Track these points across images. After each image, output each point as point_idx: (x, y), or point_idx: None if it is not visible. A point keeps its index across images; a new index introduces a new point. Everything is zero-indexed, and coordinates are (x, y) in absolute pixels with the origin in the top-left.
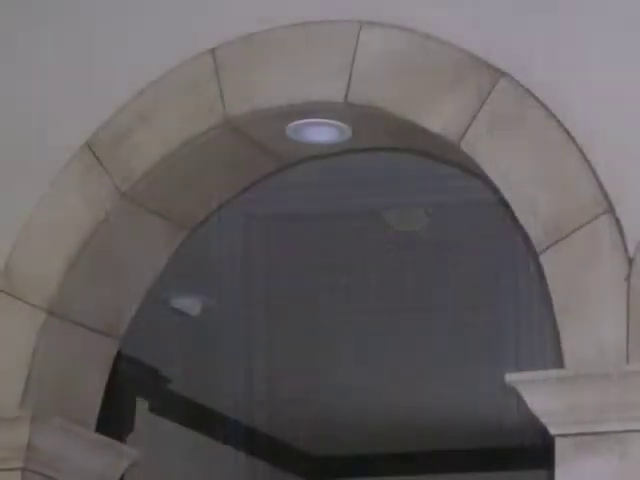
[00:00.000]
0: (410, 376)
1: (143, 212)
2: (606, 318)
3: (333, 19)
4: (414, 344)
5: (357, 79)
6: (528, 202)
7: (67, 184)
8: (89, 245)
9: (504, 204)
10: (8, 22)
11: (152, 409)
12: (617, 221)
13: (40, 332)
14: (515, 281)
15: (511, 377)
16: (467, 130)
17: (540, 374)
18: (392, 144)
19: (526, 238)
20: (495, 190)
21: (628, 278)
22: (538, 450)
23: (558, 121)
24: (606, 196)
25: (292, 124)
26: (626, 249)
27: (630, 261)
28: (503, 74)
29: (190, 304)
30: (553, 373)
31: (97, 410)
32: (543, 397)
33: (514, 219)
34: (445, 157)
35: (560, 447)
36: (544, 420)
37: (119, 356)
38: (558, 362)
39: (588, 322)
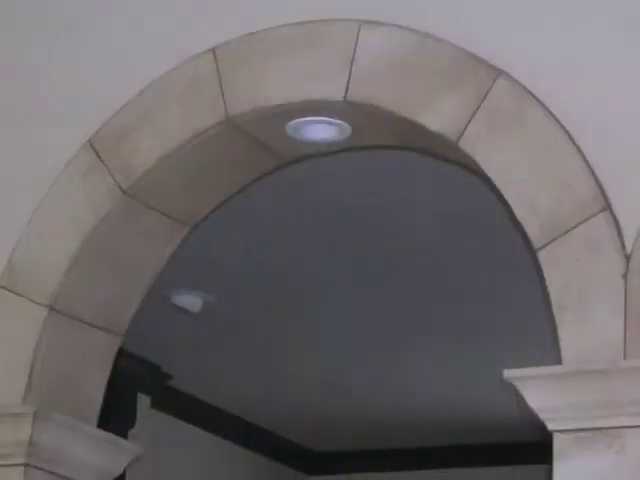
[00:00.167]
0: (409, 374)
1: (144, 210)
2: (604, 315)
3: (333, 18)
4: (414, 343)
5: (357, 78)
6: (526, 200)
7: (69, 182)
8: (91, 242)
9: (503, 202)
10: (8, 22)
11: (154, 405)
12: (614, 219)
13: (42, 329)
14: (513, 278)
15: (509, 373)
16: (466, 128)
17: (538, 370)
18: (392, 142)
19: (524, 235)
20: (493, 188)
21: (625, 275)
22: (537, 446)
23: (556, 119)
24: (604, 194)
25: (292, 122)
26: (623, 246)
27: (627, 258)
28: (501, 72)
29: (191, 301)
30: (551, 369)
31: (99, 406)
32: (541, 393)
33: (512, 216)
34: (444, 155)
35: (558, 443)
36: (542, 416)
37: (121, 352)
38: (556, 358)
39: (586, 319)
